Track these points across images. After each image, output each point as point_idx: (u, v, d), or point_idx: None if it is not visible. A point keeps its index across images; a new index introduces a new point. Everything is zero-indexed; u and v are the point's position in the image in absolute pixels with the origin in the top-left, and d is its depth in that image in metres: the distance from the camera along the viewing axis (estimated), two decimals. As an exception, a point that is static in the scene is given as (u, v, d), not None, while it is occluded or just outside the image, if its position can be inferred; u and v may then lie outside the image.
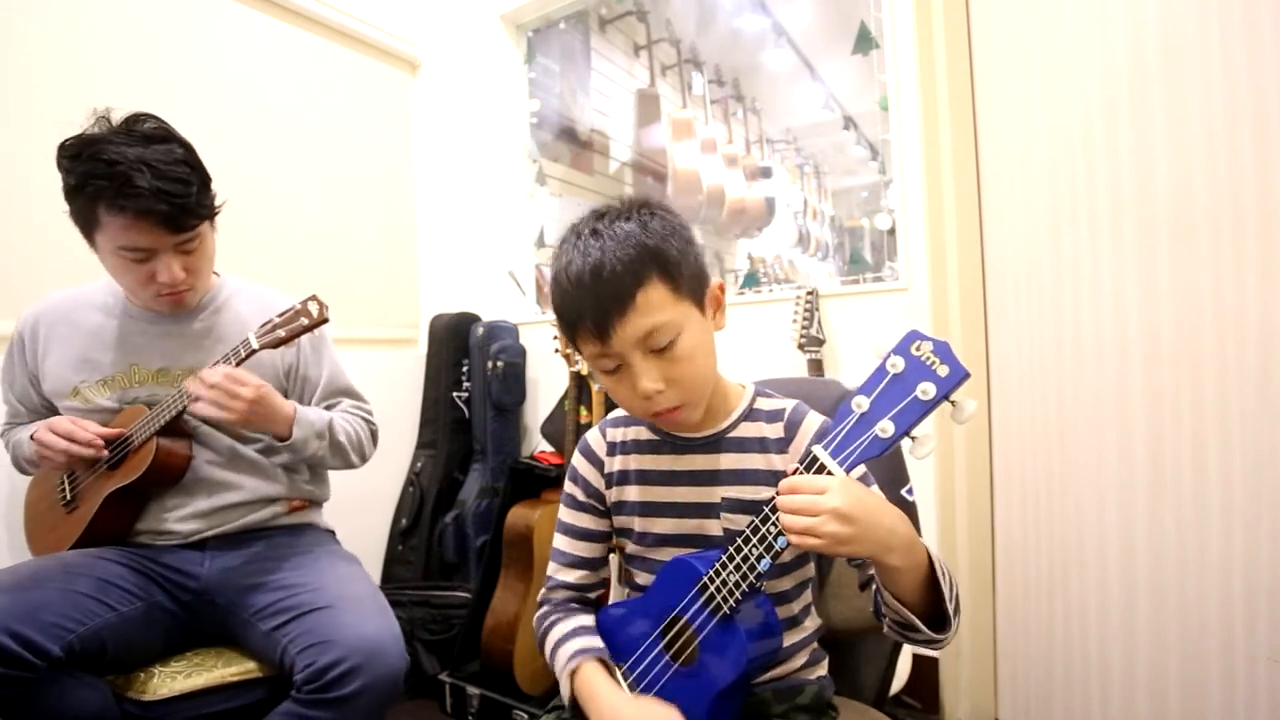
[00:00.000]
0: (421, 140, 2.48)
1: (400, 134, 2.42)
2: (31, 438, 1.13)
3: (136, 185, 1.00)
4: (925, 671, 1.69)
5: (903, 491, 0.96)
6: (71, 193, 1.04)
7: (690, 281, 0.73)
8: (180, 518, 1.14)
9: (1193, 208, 1.20)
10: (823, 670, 0.84)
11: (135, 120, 1.07)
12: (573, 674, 0.76)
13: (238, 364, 1.09)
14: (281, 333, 1.07)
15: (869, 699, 0.94)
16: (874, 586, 0.70)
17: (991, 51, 1.62)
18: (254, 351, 1.08)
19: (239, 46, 1.94)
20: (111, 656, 1.02)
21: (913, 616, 0.65)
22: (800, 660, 0.81)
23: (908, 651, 1.68)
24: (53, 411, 1.19)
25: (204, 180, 1.10)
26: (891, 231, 1.87)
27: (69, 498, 1.17)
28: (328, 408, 1.27)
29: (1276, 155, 1.12)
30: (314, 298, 1.08)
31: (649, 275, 0.70)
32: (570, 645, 0.79)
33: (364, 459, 1.27)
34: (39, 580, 0.99)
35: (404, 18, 2.40)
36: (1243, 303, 1.15)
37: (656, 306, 0.70)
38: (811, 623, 0.83)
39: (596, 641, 0.80)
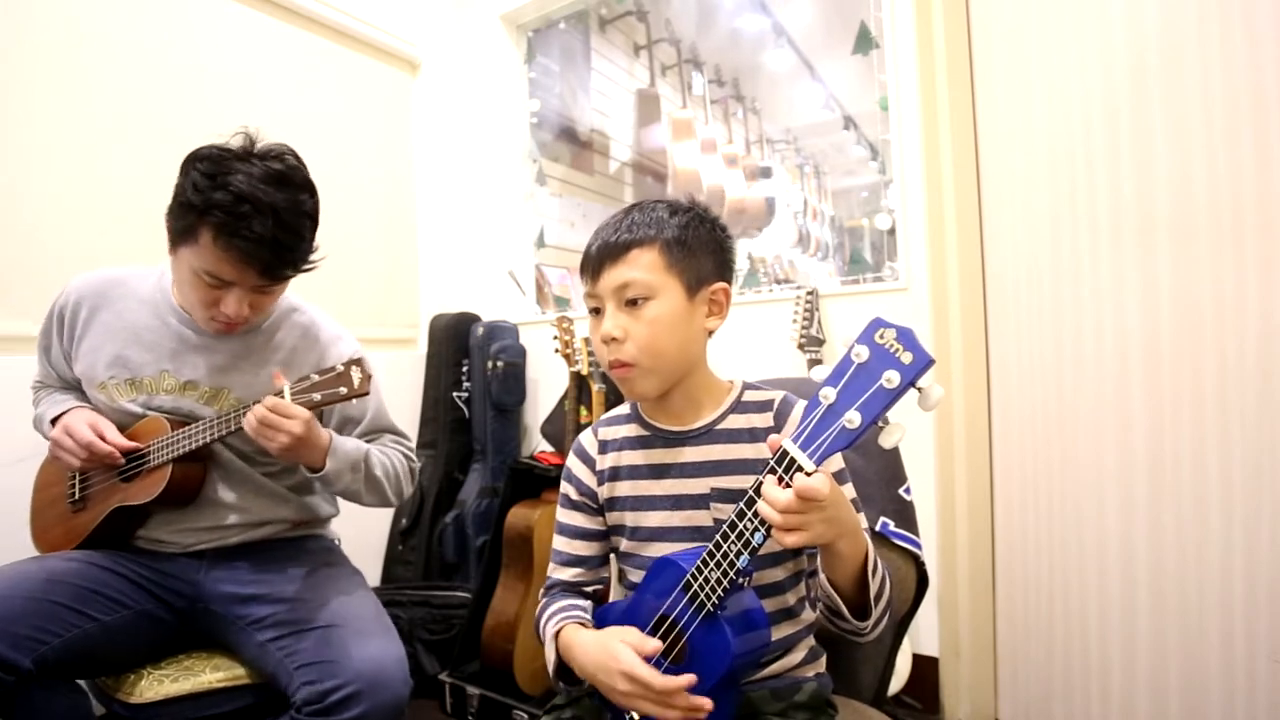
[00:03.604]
0: (421, 140, 2.48)
1: (400, 134, 2.43)
2: (53, 422, 1.11)
3: (255, 229, 0.97)
4: (925, 671, 1.69)
5: (900, 491, 0.96)
6: (185, 206, 0.99)
7: (688, 267, 0.79)
8: (179, 530, 1.12)
9: (1193, 207, 1.20)
10: (820, 667, 0.84)
11: (278, 154, 1.03)
12: (557, 635, 0.80)
13: None
14: (317, 396, 1.00)
15: (867, 699, 0.94)
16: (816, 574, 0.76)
17: (991, 52, 1.62)
18: None
19: (239, 46, 1.95)
20: (93, 665, 1.01)
21: (840, 601, 0.72)
22: (797, 656, 0.81)
23: (907, 651, 1.68)
24: (82, 390, 1.17)
25: (315, 233, 1.07)
26: (891, 231, 1.87)
27: (77, 497, 1.15)
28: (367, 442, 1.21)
29: (1276, 155, 1.12)
30: (359, 363, 0.99)
31: (651, 243, 0.78)
32: (557, 616, 0.82)
33: (400, 498, 1.21)
34: (15, 591, 0.97)
35: (404, 18, 2.40)
36: (1243, 303, 1.15)
37: (642, 266, 0.78)
38: (808, 615, 0.82)
39: (582, 612, 0.83)
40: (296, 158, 1.06)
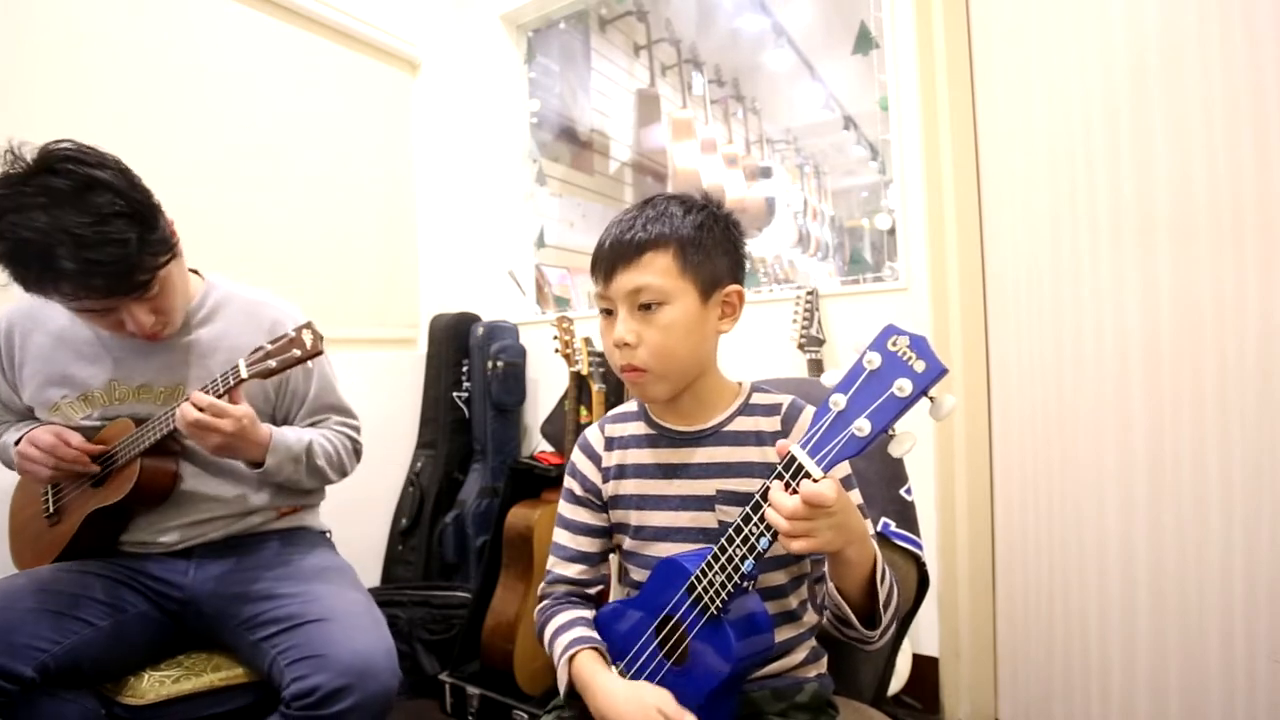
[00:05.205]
0: (421, 140, 2.48)
1: (400, 134, 2.43)
2: (15, 444, 1.09)
3: (59, 267, 0.89)
4: (925, 671, 1.69)
5: (901, 491, 0.96)
6: None
7: (702, 269, 0.78)
8: (161, 529, 1.11)
9: (1193, 207, 1.20)
10: (822, 668, 0.84)
11: (50, 165, 0.91)
12: (570, 660, 0.79)
13: (225, 392, 1.01)
14: (272, 363, 0.99)
15: (867, 699, 0.94)
16: (822, 580, 0.76)
17: (991, 52, 1.62)
18: (242, 380, 1.01)
19: (239, 46, 1.94)
20: (93, 670, 1.01)
21: (849, 610, 0.71)
22: (799, 657, 0.81)
23: (907, 651, 1.68)
24: (35, 419, 1.15)
25: (146, 222, 0.96)
26: (891, 231, 1.87)
27: (52, 510, 1.14)
28: (314, 424, 1.21)
29: (1276, 155, 1.12)
30: (309, 326, 0.99)
31: (665, 245, 0.77)
32: (568, 635, 0.81)
33: (344, 475, 1.22)
34: (10, 601, 0.96)
35: (404, 18, 2.40)
36: (1243, 303, 1.15)
37: (656, 270, 0.76)
38: (810, 618, 0.83)
39: (594, 633, 0.82)
40: (73, 155, 0.92)
